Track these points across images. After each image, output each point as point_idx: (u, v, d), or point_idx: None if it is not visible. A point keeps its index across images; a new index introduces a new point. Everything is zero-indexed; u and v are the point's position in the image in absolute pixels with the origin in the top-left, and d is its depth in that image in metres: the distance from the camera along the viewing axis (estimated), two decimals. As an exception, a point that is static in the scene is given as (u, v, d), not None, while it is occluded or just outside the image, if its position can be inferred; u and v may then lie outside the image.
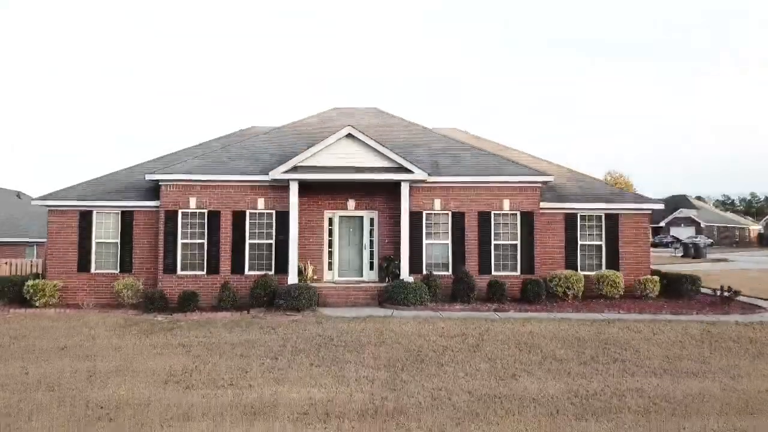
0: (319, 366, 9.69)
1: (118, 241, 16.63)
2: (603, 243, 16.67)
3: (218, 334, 12.18)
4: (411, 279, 14.80)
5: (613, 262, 16.50)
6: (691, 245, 42.51)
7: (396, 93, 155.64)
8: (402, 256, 15.35)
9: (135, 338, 12.08)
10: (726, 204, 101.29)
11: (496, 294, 14.62)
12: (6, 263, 19.53)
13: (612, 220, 16.67)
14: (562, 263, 16.44)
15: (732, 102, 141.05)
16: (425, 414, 7.31)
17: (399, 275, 15.29)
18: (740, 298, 16.10)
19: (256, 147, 17.82)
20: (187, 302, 14.49)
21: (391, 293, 14.12)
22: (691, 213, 65.68)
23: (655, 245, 58.95)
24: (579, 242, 16.65)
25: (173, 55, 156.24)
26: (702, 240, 52.16)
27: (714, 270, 27.44)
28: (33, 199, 16.72)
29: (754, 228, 74.54)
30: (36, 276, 17.18)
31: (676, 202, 69.37)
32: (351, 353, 10.23)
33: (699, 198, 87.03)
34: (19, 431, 6.74)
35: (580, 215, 16.70)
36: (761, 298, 16.73)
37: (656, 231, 65.77)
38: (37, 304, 15.32)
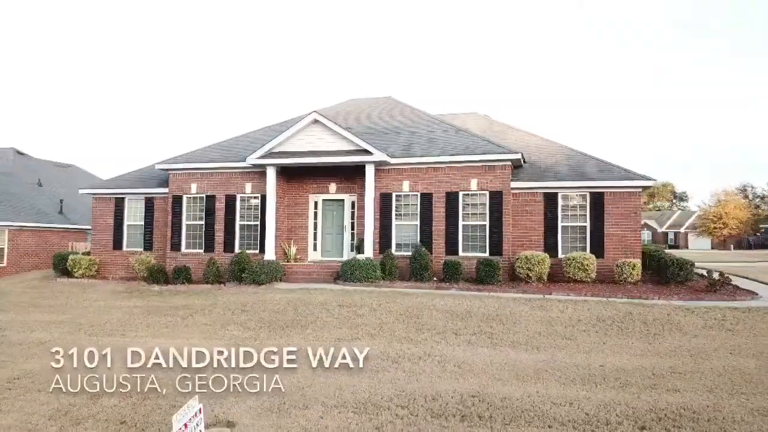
0: (210, 325, 10.84)
1: (143, 223, 19.25)
2: (588, 224, 15.59)
3: (178, 299, 13.86)
4: (364, 257, 15.25)
5: (598, 245, 15.37)
6: None
7: (433, 80, 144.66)
8: (366, 235, 15.87)
9: (112, 301, 14.24)
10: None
11: (450, 274, 14.52)
12: (72, 246, 23.52)
13: (597, 198, 15.51)
14: (540, 245, 15.70)
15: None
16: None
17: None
18: (744, 284, 14.16)
19: (258, 138, 19.35)
20: (179, 275, 16.45)
21: (343, 270, 14.74)
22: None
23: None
24: (560, 223, 15.74)
25: (203, 59, 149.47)
26: None
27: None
28: (79, 189, 19.92)
29: None
30: (86, 254, 20.49)
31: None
32: (246, 315, 11.22)
33: None
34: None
35: (561, 194, 15.76)
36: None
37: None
38: (76, 275, 18.42)
